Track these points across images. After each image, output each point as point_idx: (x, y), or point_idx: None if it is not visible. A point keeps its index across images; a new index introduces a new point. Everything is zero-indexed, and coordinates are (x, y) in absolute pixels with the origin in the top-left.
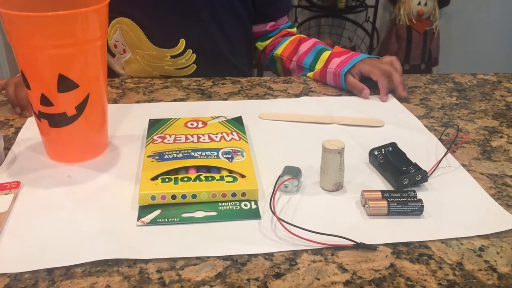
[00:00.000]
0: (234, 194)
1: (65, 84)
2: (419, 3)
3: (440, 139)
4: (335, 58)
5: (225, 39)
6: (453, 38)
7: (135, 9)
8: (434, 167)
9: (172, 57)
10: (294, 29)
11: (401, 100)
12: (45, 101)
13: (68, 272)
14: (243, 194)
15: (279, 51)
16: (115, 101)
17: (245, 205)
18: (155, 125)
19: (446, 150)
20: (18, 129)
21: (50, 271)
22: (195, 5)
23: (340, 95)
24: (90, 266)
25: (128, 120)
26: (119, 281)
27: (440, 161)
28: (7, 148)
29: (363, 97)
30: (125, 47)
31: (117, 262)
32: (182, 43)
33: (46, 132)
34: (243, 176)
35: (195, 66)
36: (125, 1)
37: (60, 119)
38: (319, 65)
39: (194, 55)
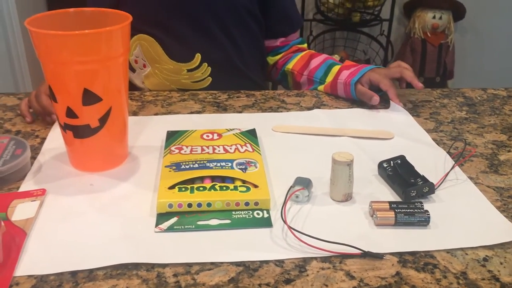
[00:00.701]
0: (247, 203)
1: (89, 97)
2: (434, 17)
3: (448, 152)
4: (345, 70)
5: (238, 54)
6: (468, 51)
7: (154, 27)
8: (442, 180)
9: (188, 70)
10: (305, 45)
11: (411, 113)
12: (70, 113)
13: (90, 274)
14: (256, 204)
15: (290, 65)
16: (134, 113)
17: (258, 214)
18: (172, 136)
19: (454, 163)
20: (43, 140)
21: (74, 273)
22: (207, 22)
23: (351, 109)
24: (111, 269)
25: (147, 131)
26: (138, 284)
27: (447, 174)
28: (33, 158)
29: (372, 104)
30: (145, 62)
31: (136, 266)
32: (198, 57)
33: (71, 143)
34: (256, 186)
35: (211, 79)
36: (145, 19)
37: (84, 131)
38: (329, 78)
39: (210, 69)
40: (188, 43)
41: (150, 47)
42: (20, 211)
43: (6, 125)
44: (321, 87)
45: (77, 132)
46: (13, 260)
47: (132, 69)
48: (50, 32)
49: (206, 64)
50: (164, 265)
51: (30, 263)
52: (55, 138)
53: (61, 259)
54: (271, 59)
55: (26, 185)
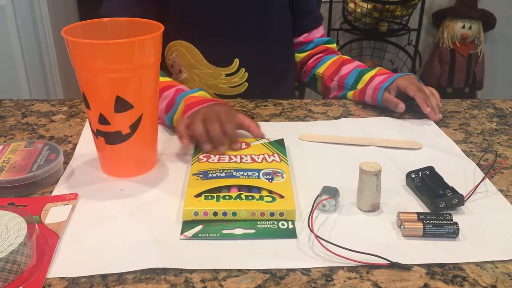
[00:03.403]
0: (272, 214)
1: (121, 105)
2: (463, 27)
3: (478, 164)
4: (378, 76)
5: (274, 57)
6: (499, 61)
7: (193, 34)
8: (471, 192)
9: (226, 75)
10: (334, 45)
11: (440, 124)
12: (103, 120)
13: (120, 278)
14: (281, 214)
15: (320, 69)
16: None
17: (283, 224)
18: None
19: (484, 175)
20: (75, 145)
21: (104, 276)
22: (245, 27)
23: (378, 118)
24: (140, 273)
25: (176, 139)
26: None
27: (477, 186)
28: (65, 163)
29: (398, 111)
30: (181, 68)
31: (165, 271)
32: (236, 62)
33: (102, 149)
34: (282, 196)
35: (247, 84)
36: (184, 26)
37: (115, 137)
38: (360, 85)
39: (247, 74)
40: (226, 49)
41: (187, 53)
42: (53, 215)
43: (40, 131)
44: (350, 93)
45: (109, 138)
46: (46, 262)
47: (169, 73)
48: (85, 41)
49: (243, 69)
50: (191, 271)
51: (62, 265)
52: (86, 144)
53: (92, 262)
54: (297, 57)
55: (59, 189)
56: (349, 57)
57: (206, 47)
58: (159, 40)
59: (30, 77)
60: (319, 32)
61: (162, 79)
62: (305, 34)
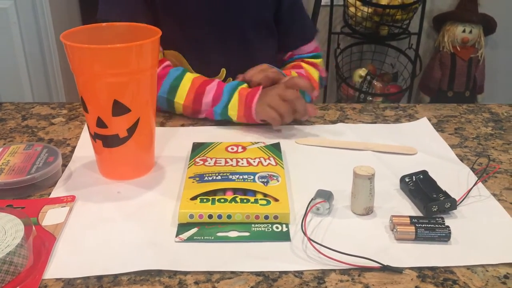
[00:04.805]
0: (266, 217)
1: (118, 108)
2: (464, 31)
3: (472, 168)
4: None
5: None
6: (499, 66)
7: (181, 44)
8: (464, 196)
9: None
10: (318, 60)
11: (435, 128)
12: (100, 123)
13: (115, 279)
14: (275, 217)
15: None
16: (162, 124)
17: (277, 227)
18: (198, 148)
19: (477, 179)
20: (74, 148)
21: (99, 277)
22: (231, 38)
23: (374, 123)
24: (135, 275)
25: (173, 142)
26: None
27: (470, 190)
28: (64, 165)
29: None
30: None
31: (159, 272)
32: (223, 72)
33: (100, 152)
34: (276, 200)
35: None
36: (173, 36)
37: (112, 140)
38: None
39: None
40: (213, 59)
41: (177, 62)
42: (51, 217)
43: (39, 134)
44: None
45: (106, 141)
46: (43, 263)
47: None
48: (83, 46)
49: (231, 78)
50: (185, 273)
51: (58, 266)
52: (85, 147)
53: (87, 264)
54: None
55: (57, 192)
56: (318, 70)
57: (193, 58)
58: (156, 45)
59: (32, 80)
60: (303, 50)
61: (193, 75)
62: (290, 53)
